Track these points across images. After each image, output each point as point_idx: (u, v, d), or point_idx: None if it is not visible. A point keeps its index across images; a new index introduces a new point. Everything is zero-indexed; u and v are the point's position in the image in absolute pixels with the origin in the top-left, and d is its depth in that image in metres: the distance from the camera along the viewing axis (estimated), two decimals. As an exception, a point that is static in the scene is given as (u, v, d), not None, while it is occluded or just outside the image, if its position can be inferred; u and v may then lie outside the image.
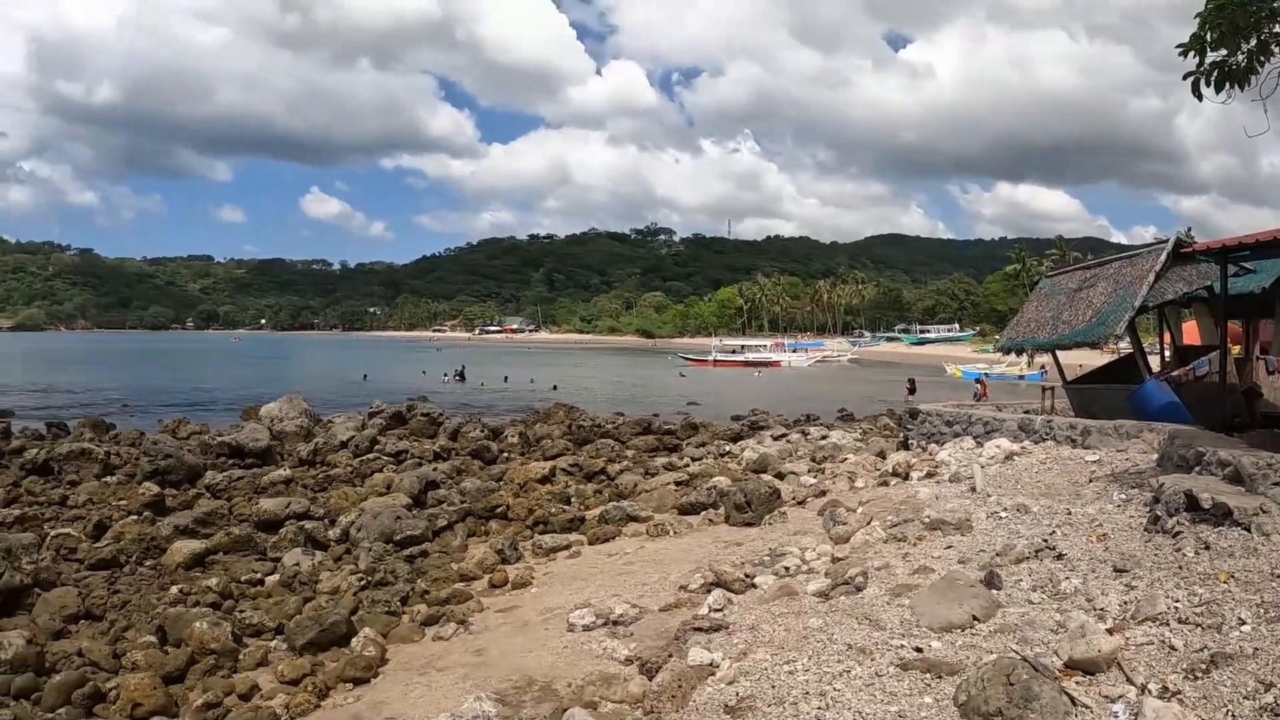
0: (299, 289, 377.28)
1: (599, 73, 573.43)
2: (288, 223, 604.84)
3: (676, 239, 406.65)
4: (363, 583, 12.40)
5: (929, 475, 15.83)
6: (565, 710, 7.07)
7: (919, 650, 6.82)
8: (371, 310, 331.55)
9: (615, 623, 9.78)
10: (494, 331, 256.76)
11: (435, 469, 20.51)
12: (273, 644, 10.44)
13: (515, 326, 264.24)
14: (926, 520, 11.20)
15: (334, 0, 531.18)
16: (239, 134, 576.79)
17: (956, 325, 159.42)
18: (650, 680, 7.57)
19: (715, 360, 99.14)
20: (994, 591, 7.99)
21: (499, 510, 17.21)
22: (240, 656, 10.02)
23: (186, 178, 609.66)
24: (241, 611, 11.22)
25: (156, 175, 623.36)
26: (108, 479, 20.20)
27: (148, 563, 14.05)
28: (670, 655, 8.10)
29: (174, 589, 12.36)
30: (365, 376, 70.13)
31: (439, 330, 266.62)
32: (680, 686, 6.95)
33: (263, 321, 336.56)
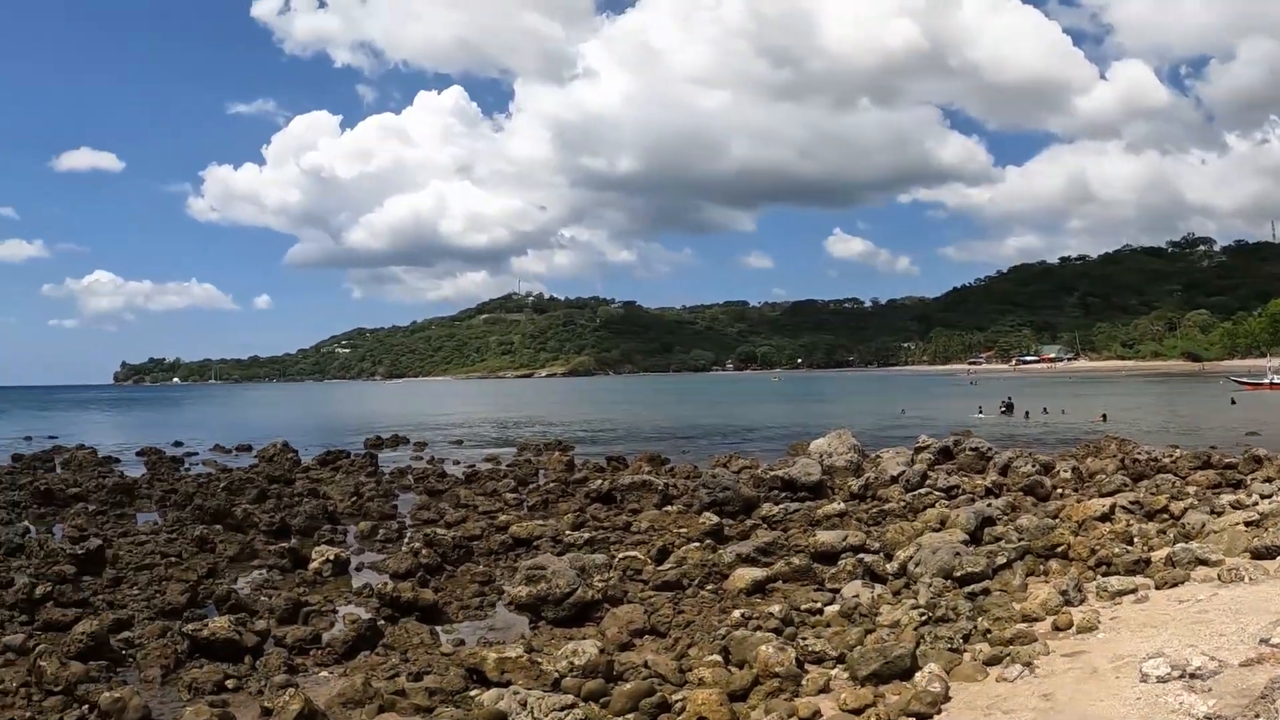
0: (831, 328, 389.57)
1: (1103, 77, 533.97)
2: (814, 264, 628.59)
3: (1217, 248, 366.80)
4: (923, 618, 12.44)
5: None
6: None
7: None
8: (905, 345, 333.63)
9: (1192, 676, 8.98)
10: (1031, 361, 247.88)
11: (989, 504, 20.16)
12: (833, 672, 10.79)
13: (1052, 355, 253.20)
14: None
15: (822, 50, 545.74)
16: (756, 185, 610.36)
17: None
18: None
19: (1272, 384, 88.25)
20: None
21: (1059, 549, 16.55)
22: (803, 682, 10.44)
23: (713, 230, 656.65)
24: (804, 638, 11.71)
25: (685, 230, 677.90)
26: (667, 508, 22.16)
27: (709, 586, 15.22)
28: (1258, 716, 7.31)
29: (736, 613, 13.21)
30: (903, 411, 70.66)
31: (974, 363, 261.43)
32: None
33: (799, 360, 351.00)
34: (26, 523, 25.53)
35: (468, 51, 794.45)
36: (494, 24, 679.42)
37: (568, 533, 20.38)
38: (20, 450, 51.18)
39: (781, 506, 21.67)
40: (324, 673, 12.60)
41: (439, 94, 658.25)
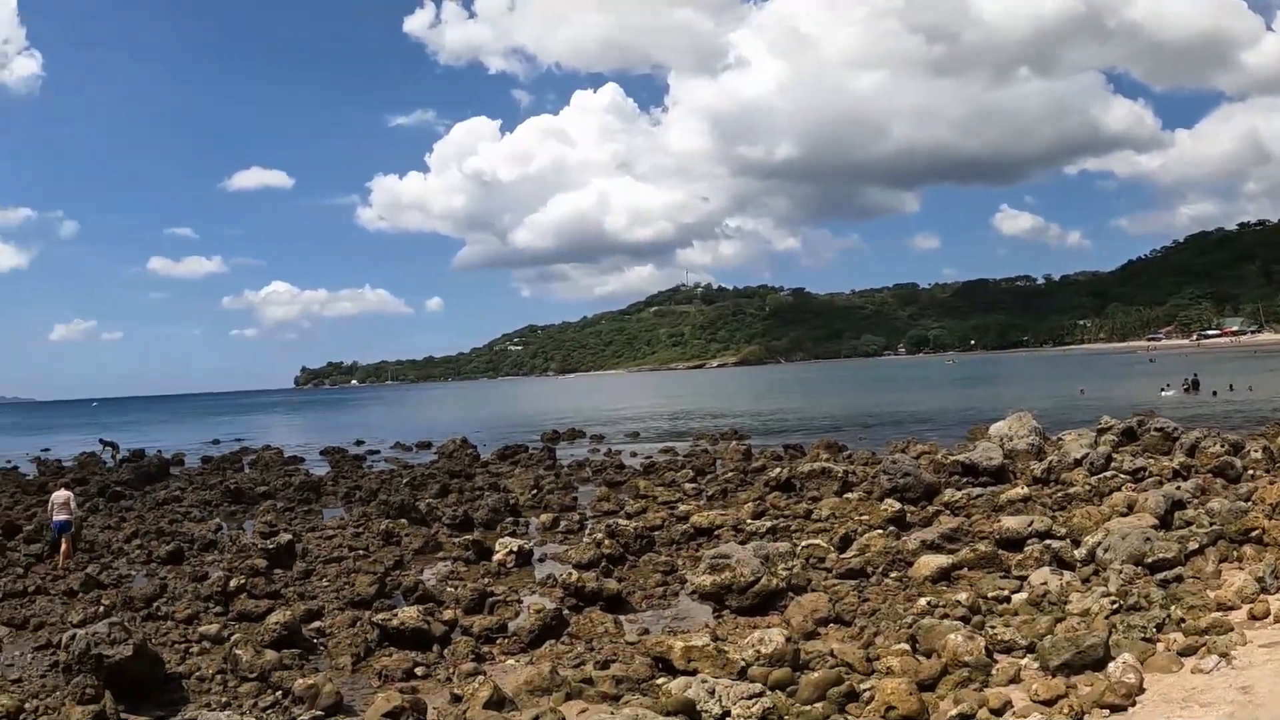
0: (1004, 307, 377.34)
1: (1269, 28, 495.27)
2: (982, 243, 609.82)
3: None
4: (1115, 606, 11.98)
5: None
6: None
7: None
8: (1080, 323, 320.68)
9: None
10: (1213, 336, 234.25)
11: (1178, 488, 19.22)
12: (1023, 662, 10.49)
13: (1235, 329, 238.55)
14: None
15: (975, 22, 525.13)
16: (917, 165, 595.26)
17: None
18: None
19: None
20: None
21: (1253, 534, 15.63)
22: (992, 672, 10.18)
23: (877, 213, 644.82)
24: (992, 627, 11.41)
25: (849, 215, 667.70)
26: (848, 495, 21.90)
27: (893, 574, 14.98)
28: None
29: (922, 600, 12.97)
30: (1081, 391, 68.21)
31: (1154, 339, 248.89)
32: None
33: (971, 342, 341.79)
34: (218, 520, 26.94)
35: (618, 50, 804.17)
36: (642, 21, 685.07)
37: (748, 522, 20.35)
38: (209, 453, 53.97)
39: (964, 492, 21.18)
40: (510, 661, 12.86)
41: (594, 93, 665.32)
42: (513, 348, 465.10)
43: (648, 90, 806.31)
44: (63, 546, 21.23)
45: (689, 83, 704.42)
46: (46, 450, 67.09)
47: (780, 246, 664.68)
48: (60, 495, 21.72)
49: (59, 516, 21.27)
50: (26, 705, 11.42)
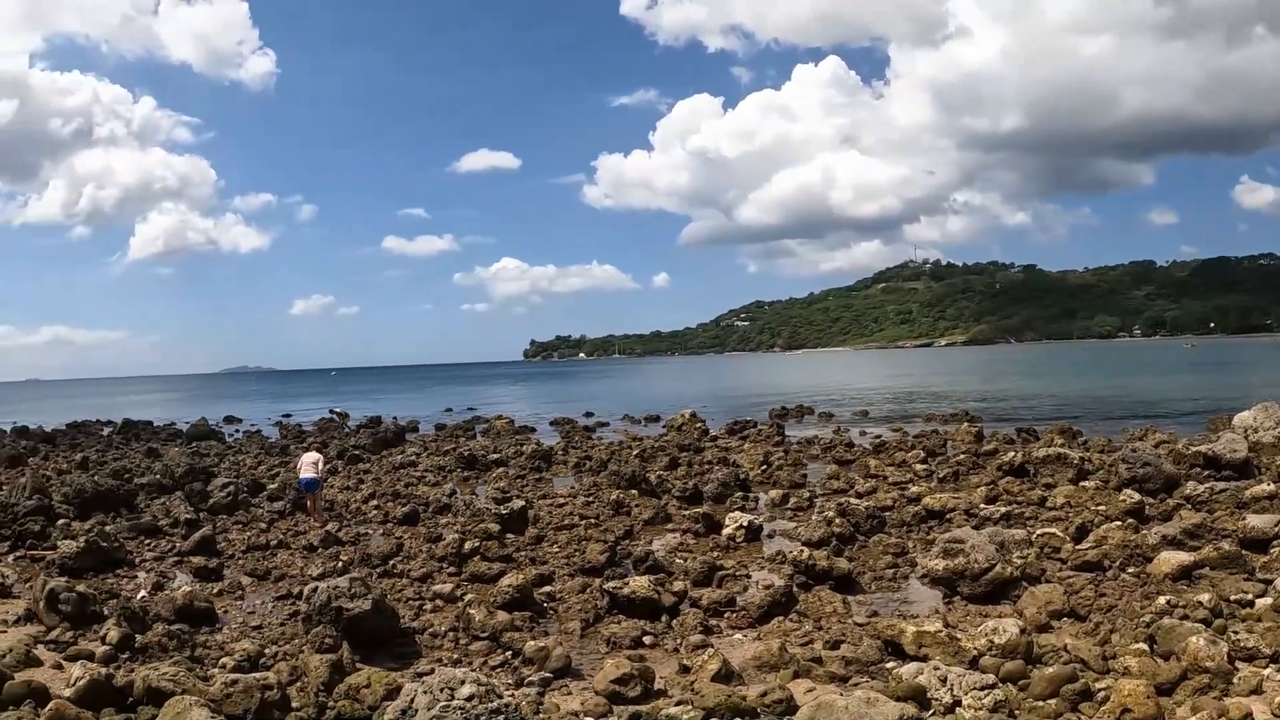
0: (1246, 288, 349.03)
1: None
2: (1223, 217, 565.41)
3: None
4: (1377, 617, 11.11)
5: None
6: None
7: None
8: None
9: None
10: None
11: None
12: (1267, 671, 9.87)
13: None
14: None
15: None
16: (1151, 134, 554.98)
17: None
18: None
19: None
20: None
21: None
22: (1234, 680, 9.64)
23: (1110, 186, 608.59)
24: (1235, 632, 10.78)
25: (1080, 188, 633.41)
26: (1084, 484, 21.04)
27: (1131, 569, 14.32)
28: None
29: (1161, 599, 12.33)
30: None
31: None
32: None
33: (1211, 325, 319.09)
34: (452, 485, 28.01)
35: (836, 23, 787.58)
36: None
37: (981, 506, 19.81)
38: (443, 421, 56.20)
39: (1206, 486, 19.97)
40: (738, 635, 12.92)
41: (815, 66, 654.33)
42: (739, 323, 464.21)
43: (868, 63, 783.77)
44: (309, 504, 22.70)
45: (910, 54, 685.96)
46: (288, 415, 71.39)
47: (1009, 221, 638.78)
48: (310, 456, 23.19)
49: (306, 475, 22.69)
50: (266, 650, 12.24)
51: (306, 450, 23.80)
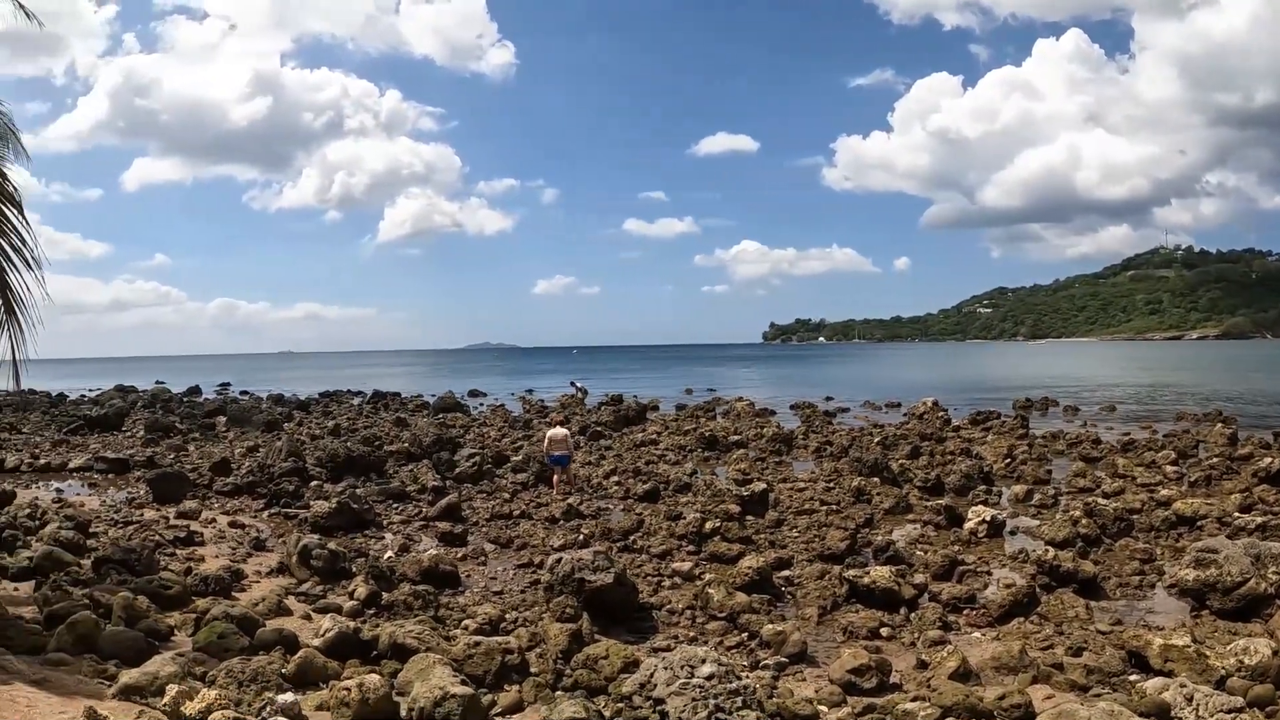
0: None
1: None
2: None
3: None
4: None
5: None
6: None
7: None
8: None
9: None
10: None
11: None
12: None
13: None
14: None
15: None
16: None
17: None
18: None
19: None
20: None
21: None
22: None
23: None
24: None
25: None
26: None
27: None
28: None
29: None
30: None
31: None
32: None
33: None
34: (692, 464, 28.13)
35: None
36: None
37: (1235, 515, 18.45)
38: (683, 401, 56.50)
39: None
40: (976, 633, 12.61)
41: (1056, 41, 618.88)
42: (981, 310, 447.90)
43: (1111, 36, 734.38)
44: (556, 478, 23.34)
45: (1154, 24, 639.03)
46: (530, 391, 73.59)
47: (1267, 205, 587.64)
48: (559, 432, 23.90)
49: (557, 451, 23.38)
50: (507, 616, 12.76)
51: (553, 426, 24.62)
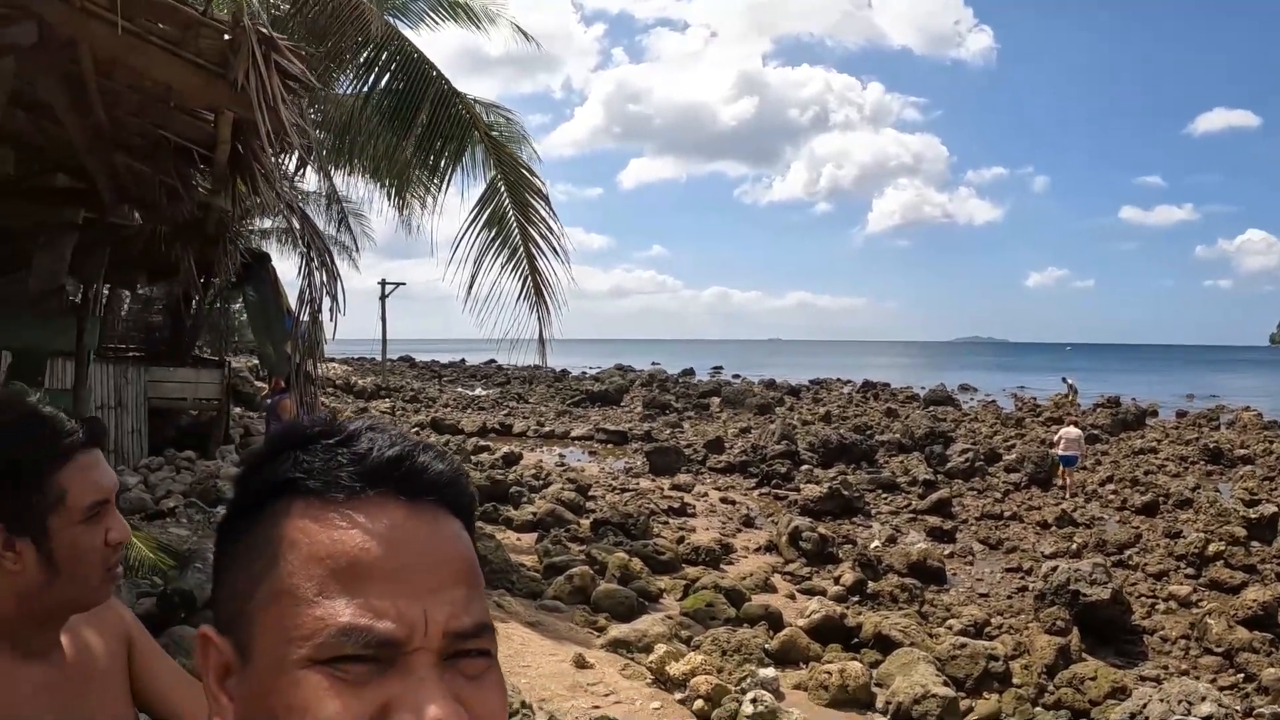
0: None
1: None
2: None
3: None
4: None
5: None
6: None
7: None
8: None
9: None
10: None
11: None
12: None
13: None
14: None
15: None
16: None
17: None
18: None
19: None
20: None
21: None
22: None
23: None
24: None
25: None
26: None
27: None
28: None
29: None
30: None
31: None
32: None
33: None
34: (1194, 478, 25.19)
35: None
36: None
37: None
38: (1184, 408, 50.63)
39: None
40: None
41: None
42: None
43: None
44: (1067, 480, 22.00)
45: None
46: (1022, 387, 69.42)
47: None
48: (1072, 432, 22.61)
49: (1067, 451, 22.13)
50: (992, 620, 12.09)
51: (1067, 426, 23.44)
